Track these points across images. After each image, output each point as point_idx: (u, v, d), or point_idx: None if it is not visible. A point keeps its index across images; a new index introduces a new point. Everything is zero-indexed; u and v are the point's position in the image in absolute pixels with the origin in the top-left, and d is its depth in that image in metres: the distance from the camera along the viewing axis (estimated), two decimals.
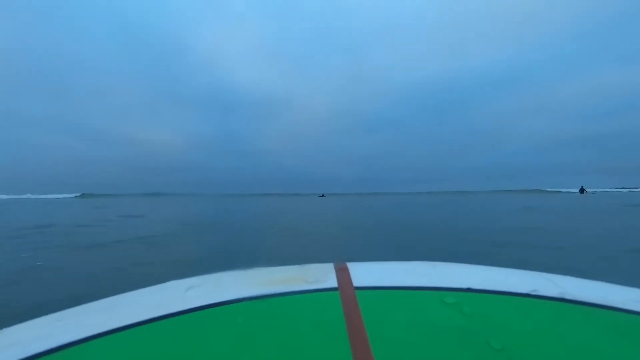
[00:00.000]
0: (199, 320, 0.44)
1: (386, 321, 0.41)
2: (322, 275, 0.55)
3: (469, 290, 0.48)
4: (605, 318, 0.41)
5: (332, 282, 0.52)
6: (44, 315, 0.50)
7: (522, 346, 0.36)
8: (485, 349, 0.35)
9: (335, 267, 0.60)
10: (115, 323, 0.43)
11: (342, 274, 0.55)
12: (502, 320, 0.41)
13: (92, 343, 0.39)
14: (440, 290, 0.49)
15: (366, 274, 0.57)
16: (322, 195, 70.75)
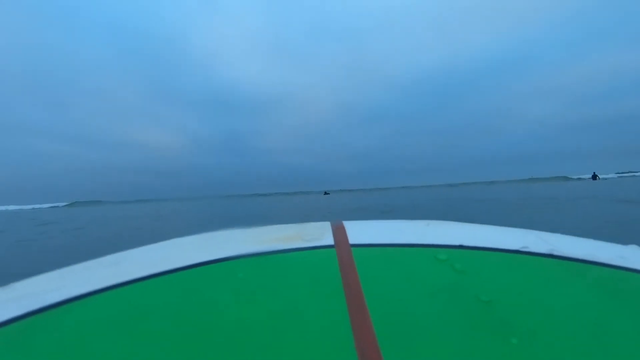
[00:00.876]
0: (201, 275, 0.45)
1: (381, 277, 0.42)
2: (319, 234, 0.57)
3: (460, 247, 0.49)
4: (591, 273, 0.43)
5: (328, 239, 0.53)
6: (54, 270, 0.52)
7: (509, 300, 0.37)
8: (474, 302, 0.37)
9: (331, 226, 0.61)
10: (121, 278, 0.45)
11: (339, 232, 0.57)
12: (492, 275, 0.43)
13: (99, 296, 0.41)
14: (434, 247, 0.50)
15: (362, 232, 0.58)
16: (326, 193, 65.88)
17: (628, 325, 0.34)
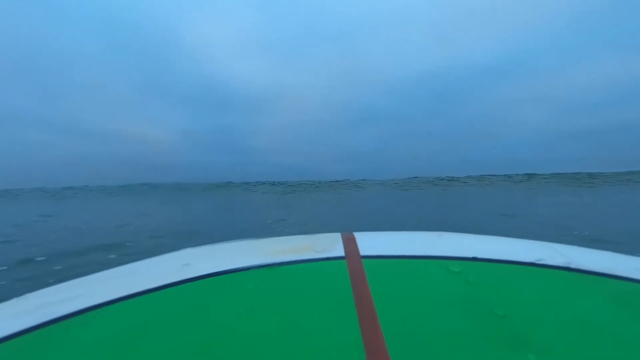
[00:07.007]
0: (212, 286, 0.46)
1: (392, 289, 0.42)
2: (330, 245, 0.56)
3: (474, 259, 0.49)
4: (609, 287, 0.42)
5: (339, 251, 0.53)
6: (68, 281, 0.53)
7: (525, 313, 0.37)
8: (489, 315, 0.37)
9: (342, 237, 0.60)
10: (134, 288, 0.46)
11: (349, 243, 0.56)
12: (507, 288, 0.42)
13: (114, 307, 0.42)
14: (446, 259, 0.49)
15: (373, 243, 0.57)
16: None
17: None
